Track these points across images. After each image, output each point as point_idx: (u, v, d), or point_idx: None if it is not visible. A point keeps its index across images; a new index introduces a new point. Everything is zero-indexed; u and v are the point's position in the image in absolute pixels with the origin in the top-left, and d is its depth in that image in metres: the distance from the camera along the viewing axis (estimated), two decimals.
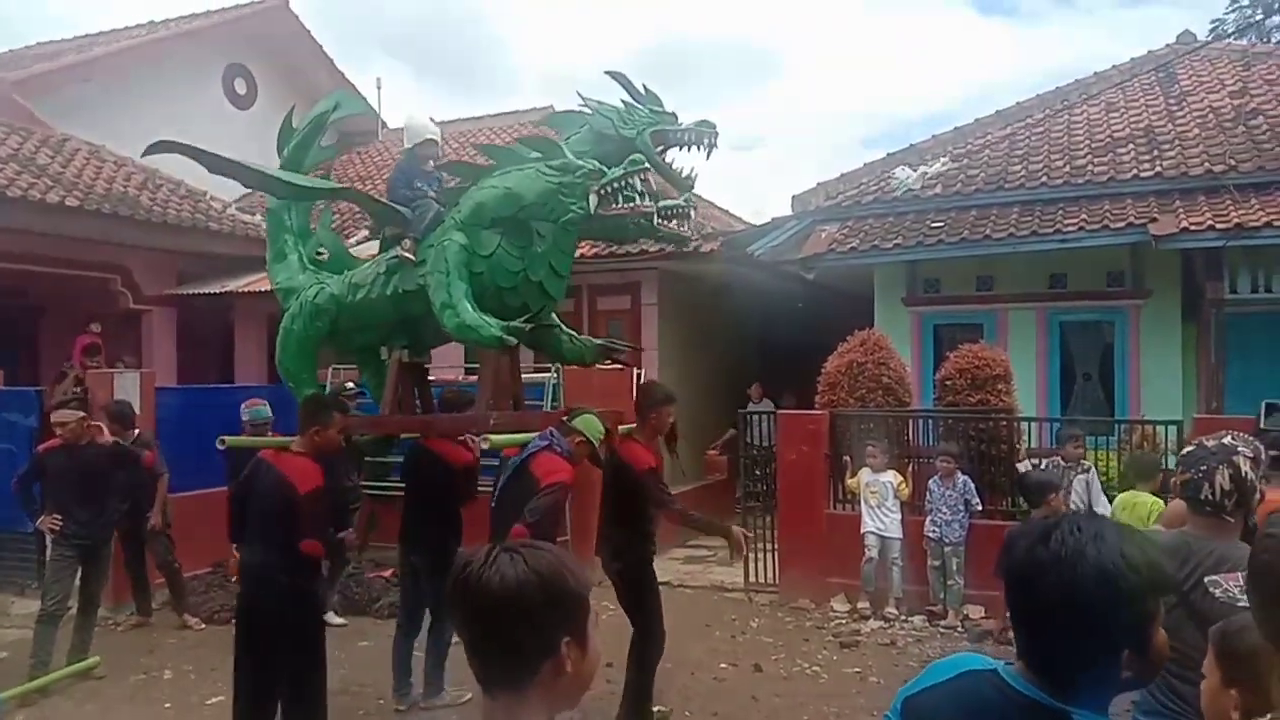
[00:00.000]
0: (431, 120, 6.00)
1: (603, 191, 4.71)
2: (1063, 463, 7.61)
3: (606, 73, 5.30)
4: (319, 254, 6.15)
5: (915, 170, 11.55)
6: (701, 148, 5.07)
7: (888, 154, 12.90)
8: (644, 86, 5.23)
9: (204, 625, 7.96)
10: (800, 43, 66.13)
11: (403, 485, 6.24)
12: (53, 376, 11.32)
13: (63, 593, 6.57)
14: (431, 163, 5.73)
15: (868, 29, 65.77)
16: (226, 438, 5.51)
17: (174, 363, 13.28)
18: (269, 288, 12.54)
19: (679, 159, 5.21)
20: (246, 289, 12.61)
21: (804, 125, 63.33)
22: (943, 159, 11.84)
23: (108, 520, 6.81)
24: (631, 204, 4.72)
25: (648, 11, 65.84)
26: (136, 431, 7.72)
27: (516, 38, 63.54)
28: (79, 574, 6.69)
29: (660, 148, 5.10)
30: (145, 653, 7.33)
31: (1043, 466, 7.72)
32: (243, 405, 7.74)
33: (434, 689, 5.95)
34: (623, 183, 4.69)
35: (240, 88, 16.82)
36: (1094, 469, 7.72)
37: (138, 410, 8.49)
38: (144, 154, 5.21)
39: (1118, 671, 1.49)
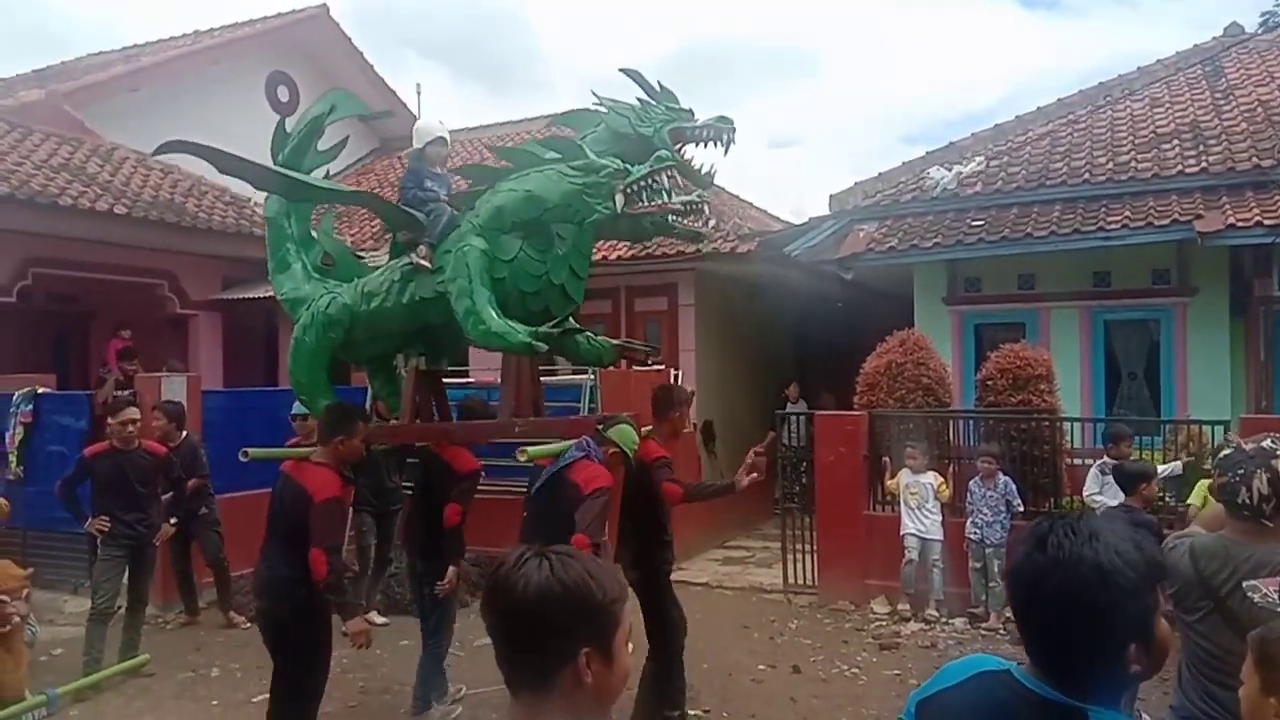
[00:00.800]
0: (440, 122, 5.80)
1: (629, 190, 4.61)
2: (1111, 462, 7.44)
3: (621, 70, 5.24)
4: (325, 263, 6.00)
5: (950, 170, 11.44)
6: (720, 144, 5.01)
7: (927, 152, 12.85)
8: (659, 84, 5.15)
9: (250, 624, 8.08)
10: (838, 40, 65.73)
11: (412, 490, 6.18)
12: (94, 383, 11.56)
13: (112, 591, 6.73)
14: (439, 167, 5.60)
15: (907, 24, 65.16)
16: (250, 450, 5.38)
17: (220, 366, 13.53)
18: None
19: (697, 156, 5.16)
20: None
21: (843, 123, 62.94)
22: (978, 158, 11.72)
23: (153, 521, 6.95)
24: (658, 201, 4.63)
25: (684, 11, 65.82)
26: (185, 433, 7.91)
27: (554, 40, 63.82)
28: (127, 573, 6.85)
29: (678, 144, 5.04)
30: (193, 650, 7.48)
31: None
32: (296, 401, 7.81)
33: (421, 705, 5.82)
34: (649, 180, 4.60)
35: (283, 95, 17.08)
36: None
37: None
38: (154, 153, 5.22)
39: (1126, 667, 1.51)
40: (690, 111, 5.13)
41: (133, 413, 6.87)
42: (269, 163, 5.52)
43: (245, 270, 13.50)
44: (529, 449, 4.82)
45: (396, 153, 17.89)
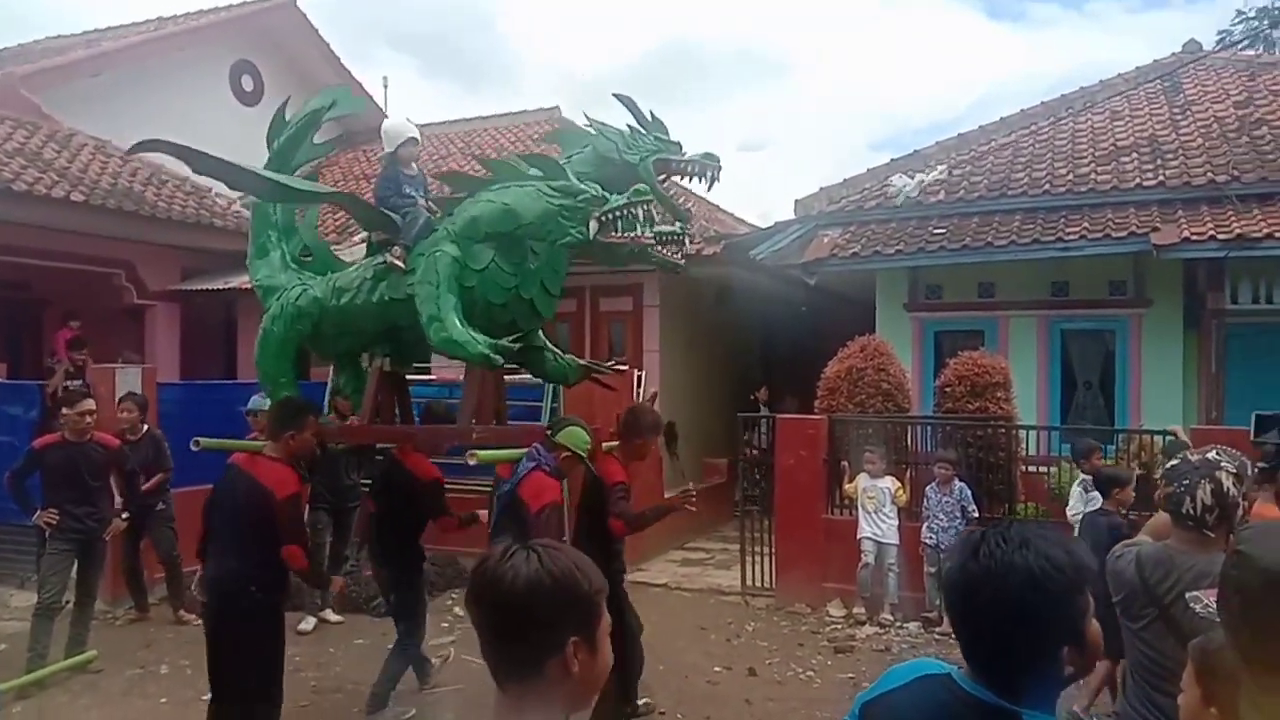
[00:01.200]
0: (409, 120, 5.74)
1: (604, 218, 4.62)
2: (1089, 477, 7.34)
3: (614, 95, 5.25)
4: (304, 256, 5.97)
5: (912, 179, 11.56)
6: (704, 179, 5.06)
7: (891, 159, 12.93)
8: (650, 113, 5.17)
9: (200, 620, 7.97)
10: (809, 45, 66.19)
11: (374, 496, 6.12)
12: (44, 373, 11.34)
13: (59, 585, 6.59)
14: (414, 164, 5.53)
15: (877, 32, 65.79)
16: (201, 439, 5.33)
17: (177, 358, 13.32)
18: None
19: (682, 179, 5.23)
20: (250, 285, 12.62)
21: (812, 127, 63.36)
22: (940, 167, 11.85)
23: (103, 515, 6.82)
24: (632, 233, 4.63)
25: (657, 12, 65.94)
26: (146, 426, 7.79)
27: (524, 37, 63.68)
28: (75, 567, 6.71)
29: (662, 175, 5.07)
30: (142, 647, 7.35)
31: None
32: (254, 396, 7.69)
33: (378, 704, 5.75)
34: (625, 211, 4.60)
35: (247, 84, 16.86)
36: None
37: None
38: (129, 151, 5.12)
39: (1060, 669, 1.56)
40: (678, 144, 5.14)
41: (90, 404, 6.73)
42: (249, 154, 5.45)
43: (205, 261, 13.32)
44: (479, 453, 4.77)
45: (361, 146, 17.71)
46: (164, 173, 13.27)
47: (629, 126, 5.18)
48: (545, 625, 1.48)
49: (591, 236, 4.67)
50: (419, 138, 5.67)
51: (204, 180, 13.40)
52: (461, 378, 5.57)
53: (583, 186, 4.73)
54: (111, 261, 12.55)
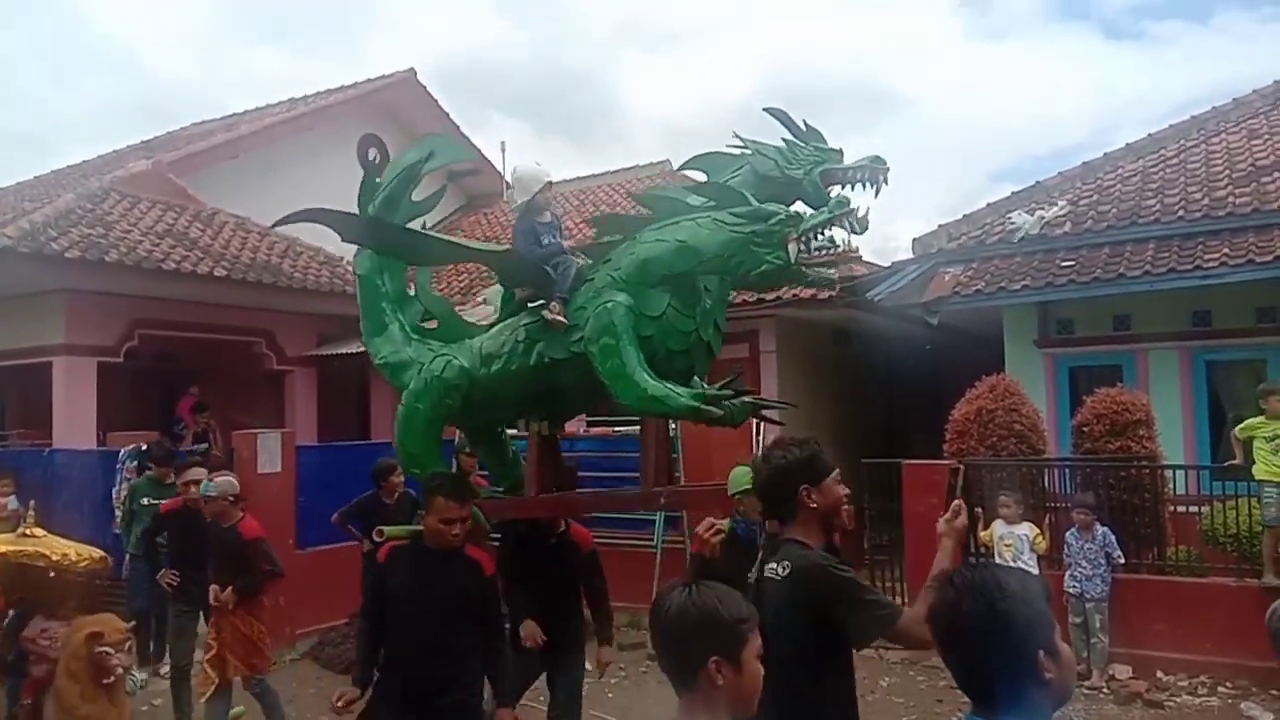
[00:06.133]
0: (538, 163, 5.03)
1: (804, 238, 4.12)
2: None
3: (765, 109, 4.87)
4: (425, 322, 5.43)
5: (1032, 215, 11.16)
6: (872, 185, 4.61)
7: (1013, 192, 12.54)
8: (804, 122, 4.78)
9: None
10: (920, 78, 65.24)
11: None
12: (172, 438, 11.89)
13: (187, 647, 6.87)
14: (547, 213, 4.90)
15: (988, 60, 64.48)
16: (384, 529, 4.80)
17: (314, 421, 13.91)
18: None
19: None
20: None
21: (927, 161, 62.26)
22: (1060, 202, 11.41)
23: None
24: (833, 250, 4.10)
25: (760, 56, 66.34)
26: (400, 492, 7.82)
27: (631, 94, 64.94)
28: (200, 626, 6.89)
29: (827, 187, 4.66)
30: (285, 702, 7.56)
31: None
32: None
33: None
34: (826, 227, 4.11)
35: (373, 157, 17.63)
36: None
37: (279, 468, 8.91)
38: (276, 225, 5.21)
39: (1039, 676, 1.75)
40: (840, 151, 4.75)
41: (196, 473, 6.84)
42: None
43: (338, 327, 13.93)
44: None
45: (482, 209, 18.30)
46: (299, 245, 13.99)
47: (785, 141, 4.79)
48: (690, 645, 1.96)
49: (792, 260, 4.13)
50: (553, 180, 5.06)
51: (337, 249, 14.21)
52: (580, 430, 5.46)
53: (772, 209, 4.24)
54: (252, 330, 13.27)
